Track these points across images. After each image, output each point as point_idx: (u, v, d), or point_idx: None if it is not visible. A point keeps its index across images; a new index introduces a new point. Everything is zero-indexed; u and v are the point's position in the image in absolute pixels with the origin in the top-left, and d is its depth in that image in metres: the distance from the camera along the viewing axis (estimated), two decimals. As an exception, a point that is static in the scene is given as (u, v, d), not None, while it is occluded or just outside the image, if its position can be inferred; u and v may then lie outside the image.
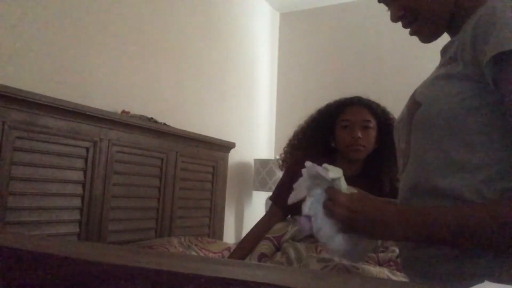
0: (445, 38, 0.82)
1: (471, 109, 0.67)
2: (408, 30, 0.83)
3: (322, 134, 1.61)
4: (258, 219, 1.59)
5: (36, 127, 1.59)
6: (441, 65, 0.78)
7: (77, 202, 1.75)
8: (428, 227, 0.66)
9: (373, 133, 1.53)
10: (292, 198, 0.82)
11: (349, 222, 0.72)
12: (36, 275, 0.41)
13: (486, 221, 0.61)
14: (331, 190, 0.75)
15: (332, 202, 0.74)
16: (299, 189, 0.80)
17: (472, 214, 0.62)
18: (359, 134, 1.49)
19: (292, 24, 3.85)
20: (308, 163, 0.79)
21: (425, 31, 0.80)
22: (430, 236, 0.66)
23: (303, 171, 0.80)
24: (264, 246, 1.41)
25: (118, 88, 2.18)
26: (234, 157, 2.97)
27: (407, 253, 0.77)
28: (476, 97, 0.66)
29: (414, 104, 0.75)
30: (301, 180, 0.81)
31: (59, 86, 1.86)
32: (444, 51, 0.80)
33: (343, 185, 0.76)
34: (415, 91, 0.78)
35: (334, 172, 0.76)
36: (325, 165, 0.78)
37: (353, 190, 0.79)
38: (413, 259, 0.75)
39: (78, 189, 1.75)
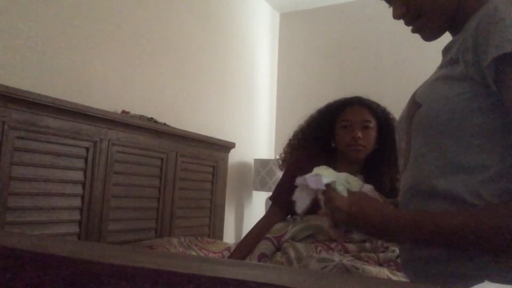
0: (446, 37, 0.81)
1: (471, 110, 0.66)
2: (408, 29, 0.83)
3: (322, 134, 1.61)
4: (258, 219, 1.59)
5: (36, 127, 1.59)
6: (442, 65, 0.77)
7: (77, 202, 1.75)
8: (427, 232, 0.66)
9: (373, 133, 1.53)
10: (300, 208, 0.80)
11: (349, 226, 0.73)
12: (36, 275, 0.41)
13: (485, 226, 0.61)
14: (328, 192, 0.75)
15: (330, 206, 0.74)
16: (302, 198, 0.80)
17: (471, 219, 0.62)
18: (359, 134, 1.49)
19: (292, 24, 3.85)
20: (298, 179, 0.79)
21: (427, 29, 0.80)
22: (430, 240, 0.66)
23: (297, 182, 0.79)
24: (264, 246, 1.41)
25: (118, 88, 2.18)
26: (234, 157, 2.97)
27: (406, 253, 0.77)
28: (476, 99, 0.66)
29: (414, 104, 0.75)
30: (298, 190, 0.81)
31: (59, 86, 1.86)
32: (445, 50, 0.79)
33: (339, 187, 0.75)
34: (416, 91, 0.78)
35: (326, 177, 0.75)
36: (315, 169, 0.77)
37: (357, 184, 0.78)
38: (412, 259, 0.75)
39: (78, 189, 1.75)
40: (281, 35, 3.89)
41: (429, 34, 0.81)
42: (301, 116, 1.70)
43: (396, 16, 0.81)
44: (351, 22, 3.56)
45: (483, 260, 0.64)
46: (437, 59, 0.83)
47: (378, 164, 1.55)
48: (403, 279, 1.04)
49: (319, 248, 1.33)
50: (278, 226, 1.46)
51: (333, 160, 1.55)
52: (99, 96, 2.05)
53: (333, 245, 1.34)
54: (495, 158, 0.65)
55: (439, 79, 0.73)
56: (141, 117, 2.11)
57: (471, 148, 0.67)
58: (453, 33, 0.81)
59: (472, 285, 0.64)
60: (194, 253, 1.92)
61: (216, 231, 2.59)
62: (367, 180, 1.50)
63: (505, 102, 0.63)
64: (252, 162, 3.24)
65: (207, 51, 2.90)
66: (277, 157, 1.87)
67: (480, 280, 0.64)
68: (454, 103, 0.68)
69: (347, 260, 1.19)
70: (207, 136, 2.54)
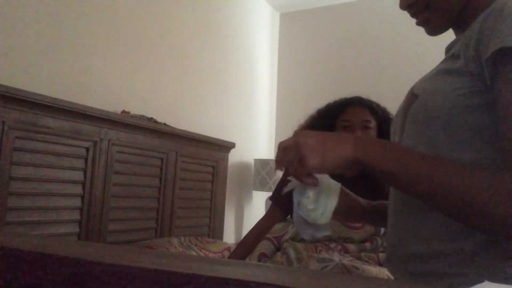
0: (449, 37, 0.81)
1: (467, 106, 0.66)
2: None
3: (322, 134, 1.61)
4: (258, 219, 1.59)
5: (36, 127, 1.59)
6: (443, 61, 0.77)
7: (77, 202, 1.75)
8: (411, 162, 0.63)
9: (373, 133, 1.53)
10: (287, 188, 0.77)
11: (318, 156, 0.65)
12: (36, 275, 0.41)
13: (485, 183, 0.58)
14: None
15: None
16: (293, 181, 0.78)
17: (471, 173, 0.60)
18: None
19: (292, 24, 3.85)
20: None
21: (433, 22, 0.78)
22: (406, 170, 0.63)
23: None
24: (264, 246, 1.41)
25: (118, 88, 2.18)
26: (234, 157, 2.97)
27: (391, 248, 0.76)
28: (474, 95, 0.65)
29: (411, 97, 0.74)
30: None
31: (59, 86, 1.86)
32: (449, 48, 0.78)
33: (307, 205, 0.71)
34: (414, 84, 0.77)
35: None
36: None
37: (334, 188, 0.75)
38: (397, 256, 0.74)
39: (78, 189, 1.75)
40: (281, 35, 3.89)
41: (434, 27, 0.79)
42: (301, 116, 1.70)
43: (403, 5, 0.79)
44: (351, 22, 3.56)
45: (482, 259, 0.64)
46: (437, 60, 0.83)
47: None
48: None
49: (319, 248, 1.33)
50: (278, 226, 1.46)
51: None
52: (99, 96, 2.05)
53: (333, 245, 1.35)
54: (486, 156, 0.65)
55: (439, 72, 0.72)
56: (141, 117, 2.11)
57: (463, 145, 0.66)
58: (457, 31, 0.80)
59: (472, 285, 0.63)
60: (194, 253, 1.92)
61: (216, 231, 2.59)
62: (367, 180, 1.50)
63: (496, 98, 0.62)
64: (252, 162, 3.24)
65: (207, 51, 2.90)
66: (277, 157, 1.87)
67: (480, 280, 0.63)
68: (451, 98, 0.67)
69: (347, 260, 1.19)
70: (207, 136, 2.54)
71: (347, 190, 0.90)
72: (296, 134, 0.68)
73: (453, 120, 0.66)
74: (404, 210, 0.74)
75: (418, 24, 0.81)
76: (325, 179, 0.73)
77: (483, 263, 0.63)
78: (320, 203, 0.73)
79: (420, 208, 0.70)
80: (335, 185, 0.75)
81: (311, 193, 0.72)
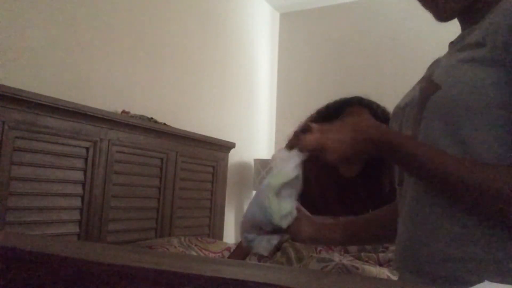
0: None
1: (495, 97, 0.62)
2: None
3: (322, 134, 1.60)
4: (258, 219, 1.59)
5: (36, 127, 1.59)
6: (461, 49, 0.71)
7: (77, 202, 1.75)
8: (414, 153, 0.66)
9: (373, 133, 1.53)
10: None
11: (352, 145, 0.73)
12: (36, 275, 0.41)
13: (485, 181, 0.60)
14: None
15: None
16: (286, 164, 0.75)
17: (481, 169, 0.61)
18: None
19: (292, 24, 3.85)
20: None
21: (441, 7, 0.75)
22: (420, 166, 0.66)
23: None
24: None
25: (118, 88, 2.18)
26: (234, 157, 2.97)
27: (402, 250, 0.76)
28: (503, 86, 0.61)
29: (430, 86, 0.69)
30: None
31: (59, 86, 1.86)
32: (461, 37, 0.75)
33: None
34: (431, 73, 0.73)
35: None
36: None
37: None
38: (408, 257, 0.74)
39: (78, 189, 1.75)
40: (281, 35, 3.89)
41: (443, 11, 0.75)
42: (301, 116, 1.69)
43: None
44: (351, 22, 3.56)
45: (483, 261, 0.63)
46: (438, 59, 0.82)
47: (378, 165, 1.54)
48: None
49: (319, 248, 1.33)
50: (278, 226, 1.46)
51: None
52: (99, 96, 2.05)
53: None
54: None
55: (463, 61, 0.67)
56: (141, 117, 2.11)
57: (491, 139, 0.62)
58: (464, 23, 0.77)
59: (472, 285, 0.63)
60: (194, 253, 1.92)
61: (216, 231, 2.59)
62: (367, 180, 1.50)
63: None
64: (252, 162, 3.24)
65: (207, 51, 2.90)
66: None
67: (480, 280, 0.63)
68: (480, 89, 0.63)
69: (347, 260, 1.20)
70: (207, 136, 2.54)
71: (307, 213, 0.88)
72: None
73: (481, 112, 0.63)
74: (423, 211, 0.70)
75: (425, 7, 0.77)
76: (292, 168, 0.72)
77: (504, 271, 0.62)
78: (282, 197, 0.72)
79: (441, 211, 0.67)
80: (298, 178, 0.74)
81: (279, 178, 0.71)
